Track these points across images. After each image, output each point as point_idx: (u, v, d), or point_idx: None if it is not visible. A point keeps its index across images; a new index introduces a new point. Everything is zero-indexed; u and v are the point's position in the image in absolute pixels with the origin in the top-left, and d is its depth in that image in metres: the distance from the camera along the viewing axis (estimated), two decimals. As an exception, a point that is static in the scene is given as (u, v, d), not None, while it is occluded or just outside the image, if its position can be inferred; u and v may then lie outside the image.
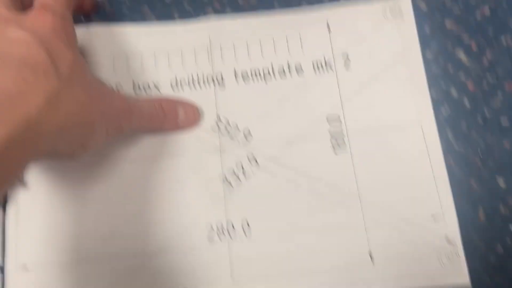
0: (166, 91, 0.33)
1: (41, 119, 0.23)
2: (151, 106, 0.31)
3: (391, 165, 0.31)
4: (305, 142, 0.32)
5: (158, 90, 0.33)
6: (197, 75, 0.34)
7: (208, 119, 0.33)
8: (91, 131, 0.27)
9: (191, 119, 0.33)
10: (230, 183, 0.31)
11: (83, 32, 0.34)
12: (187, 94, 0.33)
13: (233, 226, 0.31)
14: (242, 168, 0.32)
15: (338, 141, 0.32)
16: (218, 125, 0.33)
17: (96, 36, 0.34)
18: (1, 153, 0.21)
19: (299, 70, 0.33)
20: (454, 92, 0.33)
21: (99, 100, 0.27)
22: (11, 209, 0.31)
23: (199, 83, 0.34)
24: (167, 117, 0.32)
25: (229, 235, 0.30)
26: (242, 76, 0.33)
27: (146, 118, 0.31)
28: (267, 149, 0.32)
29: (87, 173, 0.32)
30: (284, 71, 0.33)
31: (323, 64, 0.33)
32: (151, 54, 0.34)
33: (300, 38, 0.34)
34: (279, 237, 0.30)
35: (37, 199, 0.31)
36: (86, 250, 0.30)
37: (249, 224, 0.31)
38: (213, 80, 0.33)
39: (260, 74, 0.33)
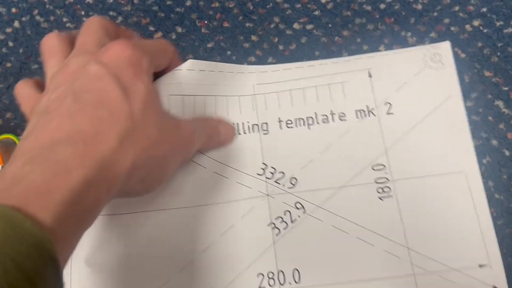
0: (213, 138, 0.34)
1: (115, 159, 0.23)
2: (205, 127, 0.32)
3: (437, 213, 0.32)
4: (350, 188, 0.33)
5: (204, 136, 0.35)
6: (242, 123, 0.35)
7: (254, 166, 0.34)
8: (164, 165, 0.27)
9: (230, 136, 0.34)
10: (278, 229, 0.32)
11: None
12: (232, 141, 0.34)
13: (283, 273, 0.31)
14: (290, 214, 0.32)
15: (383, 187, 0.33)
16: (264, 171, 0.34)
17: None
18: (78, 195, 0.22)
19: (342, 117, 0.34)
20: (494, 141, 0.33)
21: (170, 133, 0.27)
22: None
23: (244, 130, 0.35)
24: (214, 136, 0.33)
25: (279, 282, 0.31)
26: (286, 123, 0.35)
27: (204, 140, 0.32)
28: (313, 195, 0.33)
29: (141, 205, 0.33)
30: (327, 118, 0.34)
31: (366, 112, 0.34)
32: (202, 100, 0.35)
33: (343, 87, 0.35)
34: (329, 285, 0.30)
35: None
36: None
37: (299, 271, 0.31)
38: (258, 128, 0.35)
39: (303, 121, 0.34)
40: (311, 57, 0.36)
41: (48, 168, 0.22)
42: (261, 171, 0.34)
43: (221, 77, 0.35)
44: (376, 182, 0.33)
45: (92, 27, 0.29)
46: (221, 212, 0.33)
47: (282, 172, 0.33)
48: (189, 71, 0.34)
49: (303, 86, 0.35)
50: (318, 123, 0.34)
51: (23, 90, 0.30)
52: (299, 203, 0.33)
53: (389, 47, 0.36)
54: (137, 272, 0.32)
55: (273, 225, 0.32)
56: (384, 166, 0.33)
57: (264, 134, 0.34)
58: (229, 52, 0.37)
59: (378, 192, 0.32)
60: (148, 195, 0.30)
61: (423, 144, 0.33)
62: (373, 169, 0.33)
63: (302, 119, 0.35)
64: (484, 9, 0.37)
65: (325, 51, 0.37)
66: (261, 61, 0.37)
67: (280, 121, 0.35)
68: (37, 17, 0.38)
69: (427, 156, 0.33)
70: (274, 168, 0.34)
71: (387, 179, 0.33)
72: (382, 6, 0.37)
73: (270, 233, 0.32)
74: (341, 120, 0.34)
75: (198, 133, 0.31)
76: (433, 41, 0.36)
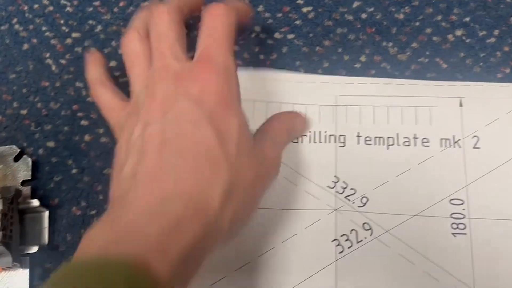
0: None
1: (219, 217, 0.24)
2: (281, 131, 0.31)
3: (510, 260, 0.30)
4: (424, 219, 0.31)
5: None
6: (320, 132, 0.34)
7: (325, 177, 0.33)
8: (256, 202, 0.27)
9: (304, 130, 0.33)
10: (342, 247, 0.31)
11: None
12: (306, 147, 0.33)
13: (342, 295, 0.30)
14: (356, 233, 0.31)
15: (458, 224, 0.31)
16: (335, 185, 0.32)
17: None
18: (189, 252, 0.22)
19: (425, 143, 0.33)
20: None
21: (261, 170, 0.27)
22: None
23: (320, 139, 0.34)
24: (290, 132, 0.33)
25: (337, 303, 0.30)
26: (365, 140, 0.33)
27: (282, 147, 0.31)
28: (383, 218, 0.31)
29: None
30: (409, 141, 0.33)
31: (452, 142, 0.33)
32: (277, 104, 0.35)
33: (430, 112, 0.33)
34: (387, 314, 0.30)
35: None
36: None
37: (358, 293, 0.30)
38: (334, 139, 0.33)
39: (383, 140, 0.33)
40: (292, 67, 0.35)
41: (162, 224, 0.22)
42: (332, 184, 0.33)
43: (300, 87, 0.35)
44: (452, 217, 0.31)
45: (162, 25, 0.28)
46: (285, 219, 0.32)
47: (354, 189, 0.32)
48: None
49: (388, 104, 0.34)
50: (398, 144, 0.33)
51: (105, 97, 0.30)
52: (368, 224, 0.32)
53: (369, 56, 0.35)
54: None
55: (337, 242, 0.31)
56: (463, 201, 0.31)
57: (341, 146, 0.33)
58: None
59: (453, 228, 0.31)
60: None
61: (507, 185, 0.32)
62: (451, 203, 0.31)
63: (382, 138, 0.33)
64: (467, 19, 0.35)
65: (306, 61, 0.35)
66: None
67: (358, 136, 0.33)
68: (16, 26, 0.37)
69: (509, 199, 0.31)
70: (346, 183, 0.32)
71: (464, 215, 0.31)
72: (364, 15, 0.36)
73: (333, 250, 0.31)
74: (423, 145, 0.33)
75: (280, 147, 0.30)
76: (415, 51, 0.35)
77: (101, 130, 0.35)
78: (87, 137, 0.35)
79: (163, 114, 0.25)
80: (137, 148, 0.25)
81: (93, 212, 0.33)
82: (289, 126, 0.33)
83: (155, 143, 0.25)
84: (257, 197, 0.28)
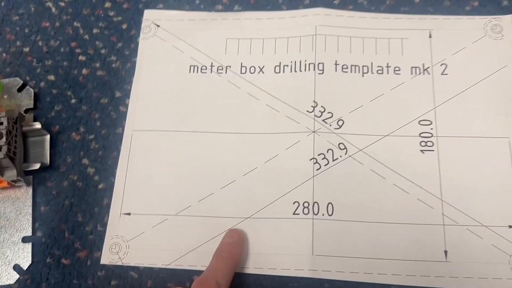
0: (270, 73, 0.36)
1: None
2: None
3: (475, 172, 0.33)
4: (395, 138, 0.34)
5: (263, 72, 0.36)
6: (300, 61, 0.36)
7: (305, 102, 0.35)
8: None
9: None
10: (319, 164, 0.34)
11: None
12: (287, 77, 0.36)
13: (318, 205, 0.33)
14: (332, 152, 0.34)
15: (426, 141, 0.34)
16: (314, 109, 0.35)
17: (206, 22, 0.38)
18: None
19: (397, 71, 0.35)
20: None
21: None
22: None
23: (300, 68, 0.36)
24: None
25: (313, 212, 0.33)
26: (342, 67, 0.36)
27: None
28: (357, 138, 0.34)
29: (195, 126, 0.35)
30: (382, 69, 0.36)
31: (421, 70, 0.35)
32: (260, 40, 0.37)
33: (402, 43, 0.36)
34: (359, 221, 0.32)
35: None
36: (185, 208, 0.34)
37: (333, 204, 0.33)
38: (314, 67, 0.36)
39: (359, 68, 0.36)
40: (275, 5, 0.38)
41: None
42: (311, 109, 0.35)
43: (281, 22, 0.38)
44: (421, 136, 0.34)
45: None
46: (267, 141, 0.35)
47: (331, 113, 0.35)
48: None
49: (364, 36, 0.36)
50: (372, 72, 0.36)
51: None
52: (343, 144, 0.34)
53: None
54: (184, 182, 0.34)
55: (315, 160, 0.34)
56: (431, 122, 0.34)
57: (319, 73, 0.36)
58: (197, 1, 0.39)
59: (421, 145, 0.34)
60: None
61: (472, 107, 0.34)
62: (420, 123, 0.34)
63: (358, 66, 0.36)
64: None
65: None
66: (227, 9, 0.39)
67: (336, 64, 0.36)
68: None
69: (474, 119, 0.34)
70: (323, 107, 0.35)
71: (432, 134, 0.34)
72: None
73: (311, 167, 0.34)
74: (395, 73, 0.35)
75: None
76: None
77: (98, 64, 0.37)
78: (84, 71, 0.37)
79: None
80: None
81: (91, 136, 0.36)
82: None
83: None
84: None
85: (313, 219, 0.32)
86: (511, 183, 0.32)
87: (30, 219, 0.34)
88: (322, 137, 0.35)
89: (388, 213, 0.32)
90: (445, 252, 0.31)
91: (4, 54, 0.38)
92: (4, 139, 0.32)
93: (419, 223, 0.32)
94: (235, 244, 0.32)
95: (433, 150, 0.34)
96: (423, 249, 0.31)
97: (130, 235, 0.33)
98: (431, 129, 0.34)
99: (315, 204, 0.33)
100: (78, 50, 0.38)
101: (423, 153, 0.34)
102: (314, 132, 0.35)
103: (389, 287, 0.31)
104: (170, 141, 0.35)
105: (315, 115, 0.35)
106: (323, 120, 0.35)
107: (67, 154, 0.35)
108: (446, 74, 0.35)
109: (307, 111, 0.35)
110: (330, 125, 0.35)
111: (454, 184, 0.33)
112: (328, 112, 0.35)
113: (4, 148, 0.31)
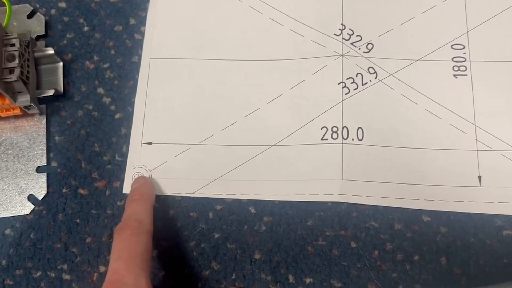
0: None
1: None
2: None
3: (509, 97, 0.31)
4: (426, 63, 0.32)
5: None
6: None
7: (332, 25, 0.34)
8: None
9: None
10: (348, 89, 0.32)
11: None
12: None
13: (347, 129, 0.31)
14: (362, 76, 0.33)
15: (459, 66, 0.32)
16: (341, 32, 0.33)
17: None
18: None
19: (429, -7, 0.34)
20: None
21: None
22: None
23: (325, -10, 0.34)
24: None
25: (343, 137, 0.31)
26: (372, -12, 0.34)
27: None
28: (387, 62, 0.33)
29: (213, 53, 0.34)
30: (414, -8, 0.34)
31: (454, -9, 0.34)
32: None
33: (433, -37, 0.34)
34: (390, 146, 0.31)
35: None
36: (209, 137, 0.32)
37: (363, 129, 0.31)
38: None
39: (388, -10, 0.34)
40: None
41: None
42: (338, 32, 0.33)
43: None
44: (453, 60, 0.32)
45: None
46: (292, 67, 0.33)
47: (360, 36, 0.33)
48: None
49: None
50: (404, -5, 0.34)
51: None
52: (372, 68, 0.33)
53: None
54: (206, 111, 0.33)
55: (343, 84, 0.32)
56: (464, 46, 0.33)
57: (347, -6, 0.34)
58: None
59: (454, 70, 0.32)
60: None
61: (506, 30, 0.33)
62: (452, 47, 0.33)
63: (389, -12, 0.34)
64: None
65: None
66: None
67: (365, -16, 0.34)
68: None
69: (508, 42, 0.32)
70: (352, 30, 0.33)
71: (465, 58, 0.32)
72: None
73: (339, 91, 0.32)
74: (428, -3, 0.34)
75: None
76: None
77: (111, -10, 0.35)
78: (97, -3, 0.35)
79: None
80: None
81: (106, 65, 0.34)
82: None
83: None
84: None
85: (342, 143, 0.31)
86: (547, 106, 0.31)
87: (45, 148, 0.32)
88: (351, 60, 0.33)
89: (420, 139, 0.31)
90: (479, 177, 0.30)
91: (10, -18, 0.36)
92: (16, 60, 0.30)
93: (452, 149, 0.31)
94: (143, 186, 0.31)
95: (466, 75, 0.32)
96: (456, 174, 0.30)
97: (152, 165, 0.32)
98: (464, 53, 0.33)
99: (345, 128, 0.31)
100: (89, -24, 0.36)
101: (456, 77, 0.32)
102: (342, 55, 0.33)
103: (422, 212, 0.30)
104: (191, 69, 0.33)
105: (343, 38, 0.33)
106: (351, 44, 0.33)
107: (81, 83, 0.34)
108: (480, -4, 0.34)
109: (335, 34, 0.33)
110: (359, 48, 0.33)
111: (487, 109, 0.31)
112: (357, 35, 0.33)
113: (17, 71, 0.30)
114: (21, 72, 0.30)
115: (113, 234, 0.27)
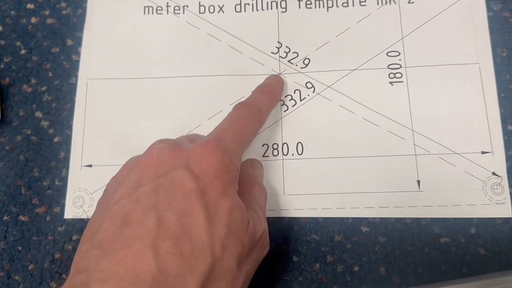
0: (231, 13, 0.34)
1: None
2: (262, 198, 0.29)
3: (446, 101, 0.32)
4: (363, 72, 0.33)
5: (223, 11, 0.34)
6: (261, -1, 0.35)
7: (269, 43, 0.34)
8: None
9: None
10: (287, 106, 0.32)
11: None
12: (249, 16, 0.34)
13: (287, 145, 0.31)
14: (300, 92, 0.33)
15: (395, 73, 0.33)
16: (278, 50, 0.34)
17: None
18: None
19: (362, 2, 0.34)
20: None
21: (250, 256, 0.25)
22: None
23: (262, 7, 0.34)
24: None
25: (283, 153, 0.31)
26: (305, 3, 0.34)
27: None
28: (324, 75, 0.33)
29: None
30: (347, 2, 0.34)
31: (387, -2, 0.34)
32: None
33: (366, -29, 0.35)
34: (330, 157, 0.31)
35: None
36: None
37: (302, 144, 0.31)
38: (276, 4, 0.34)
39: (323, 2, 0.34)
40: None
41: None
42: (275, 50, 0.34)
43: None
44: (389, 68, 0.33)
45: None
46: (231, 84, 0.33)
47: (296, 52, 0.33)
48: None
49: (325, -32, 0.35)
50: (337, 6, 0.34)
51: None
52: (310, 82, 0.33)
53: None
54: (146, 131, 0.32)
55: (282, 102, 0.32)
56: (399, 53, 0.33)
57: (282, 12, 0.34)
58: None
59: (390, 77, 0.33)
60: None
61: (441, 34, 0.33)
62: (388, 55, 0.33)
63: (322, 0, 0.34)
64: None
65: None
66: None
67: (299, 0, 0.34)
68: None
69: (443, 47, 0.33)
70: (288, 48, 0.34)
71: (400, 65, 0.33)
72: None
73: (278, 109, 0.32)
74: (361, 5, 0.34)
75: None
76: None
77: (47, 12, 0.35)
78: (33, 19, 0.35)
79: (156, 180, 0.24)
80: (117, 211, 0.23)
81: (44, 88, 0.33)
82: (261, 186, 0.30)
83: (140, 210, 0.22)
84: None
85: (283, 159, 0.31)
86: (482, 109, 0.31)
87: (-17, 177, 0.32)
88: (288, 78, 0.33)
89: (359, 147, 0.31)
90: (418, 182, 0.31)
91: None
92: None
93: (390, 155, 0.31)
94: (276, 85, 0.32)
95: (402, 81, 0.32)
96: (396, 180, 0.31)
97: (93, 187, 0.31)
98: (400, 60, 0.33)
99: (285, 145, 0.32)
100: (25, -2, 0.35)
101: (392, 85, 0.32)
102: (280, 73, 0.33)
103: (361, 222, 0.30)
104: (129, 89, 0.33)
105: (280, 57, 0.33)
106: (288, 61, 0.33)
107: (19, 107, 0.33)
108: (412, 3, 0.34)
109: (272, 52, 0.34)
110: (296, 65, 0.33)
111: (424, 114, 0.32)
112: (294, 52, 0.33)
113: None
114: (-48, 102, 0.30)
115: (233, 107, 0.30)
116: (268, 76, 0.33)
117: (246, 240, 0.24)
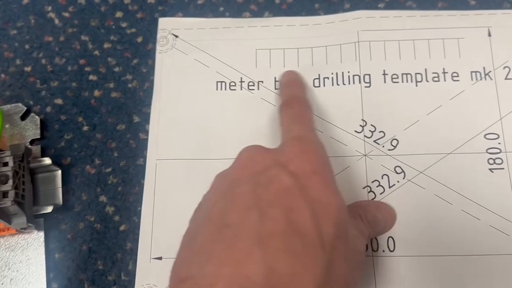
0: (308, 88, 0.32)
1: None
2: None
3: (554, 192, 0.29)
4: (458, 156, 0.29)
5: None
6: (342, 73, 0.32)
7: (352, 121, 0.31)
8: None
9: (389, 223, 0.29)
10: (374, 193, 0.29)
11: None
12: (329, 91, 0.31)
13: (376, 241, 0.28)
14: (388, 178, 0.30)
15: (495, 158, 0.29)
16: (363, 128, 0.31)
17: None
18: None
19: (455, 77, 0.31)
20: None
21: (355, 261, 0.24)
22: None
23: (343, 81, 0.32)
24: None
25: (372, 249, 0.28)
26: (391, 77, 0.31)
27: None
28: (415, 159, 0.30)
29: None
30: (438, 76, 0.31)
31: (482, 74, 0.31)
32: (294, 50, 0.33)
33: (458, 43, 0.32)
34: (426, 255, 0.28)
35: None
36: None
37: (394, 240, 0.28)
38: (359, 79, 0.32)
39: (411, 76, 0.31)
40: (310, 11, 0.33)
41: None
42: (359, 129, 0.31)
43: (317, 29, 0.33)
44: (488, 152, 0.30)
45: None
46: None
47: (383, 132, 0.31)
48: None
49: (414, 38, 0.32)
50: (427, 80, 0.31)
51: None
52: (399, 167, 0.30)
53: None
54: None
55: (369, 189, 0.29)
56: (498, 135, 0.30)
57: (366, 87, 0.31)
58: (221, 8, 0.34)
59: (489, 163, 0.29)
60: None
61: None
62: (485, 137, 0.30)
63: (410, 74, 0.31)
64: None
65: (325, 3, 0.34)
66: (256, 15, 0.34)
67: (384, 74, 0.31)
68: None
69: (547, 130, 0.30)
70: (374, 126, 0.31)
71: (500, 149, 0.30)
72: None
73: (365, 197, 0.29)
74: (453, 80, 0.31)
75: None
76: None
77: (111, 85, 0.33)
78: (96, 93, 0.33)
79: (251, 176, 0.22)
80: (214, 214, 0.22)
81: (108, 170, 0.31)
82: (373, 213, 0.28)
83: (242, 209, 0.21)
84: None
85: (372, 256, 0.28)
86: None
87: (44, 269, 0.29)
88: (375, 161, 0.30)
89: (458, 244, 0.28)
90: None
91: (2, 75, 0.33)
92: (10, 182, 0.27)
93: (494, 254, 0.28)
94: (293, 76, 0.32)
95: (503, 168, 0.29)
96: (499, 285, 0.27)
97: (164, 283, 0.29)
98: (499, 143, 0.30)
99: (374, 240, 0.29)
100: (87, 69, 0.33)
101: (492, 172, 0.29)
102: (365, 155, 0.30)
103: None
104: (202, 171, 0.30)
105: (365, 136, 0.30)
106: (374, 141, 0.30)
107: (81, 191, 0.31)
108: (510, 79, 0.31)
109: (355, 131, 0.31)
110: (383, 146, 0.30)
111: (530, 207, 0.28)
112: (380, 131, 0.31)
113: (11, 194, 0.27)
114: (16, 194, 0.27)
115: (278, 112, 0.29)
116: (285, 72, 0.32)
117: (354, 248, 0.23)
